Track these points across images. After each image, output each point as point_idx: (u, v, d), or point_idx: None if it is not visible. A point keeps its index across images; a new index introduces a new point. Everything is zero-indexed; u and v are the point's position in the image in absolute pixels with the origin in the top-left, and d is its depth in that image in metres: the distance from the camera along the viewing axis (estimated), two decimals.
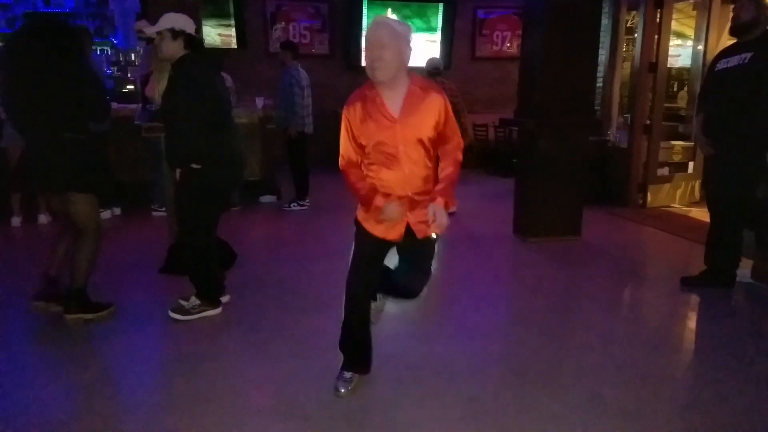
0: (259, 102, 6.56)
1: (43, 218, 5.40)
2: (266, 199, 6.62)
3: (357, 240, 2.49)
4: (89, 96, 3.16)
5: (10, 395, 2.59)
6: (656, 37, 6.14)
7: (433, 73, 5.87)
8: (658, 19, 6.10)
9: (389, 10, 9.13)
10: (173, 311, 3.35)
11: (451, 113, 2.38)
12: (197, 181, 3.20)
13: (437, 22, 9.66)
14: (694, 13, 6.65)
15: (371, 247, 2.46)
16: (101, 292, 3.46)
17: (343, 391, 2.54)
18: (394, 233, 2.42)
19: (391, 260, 2.60)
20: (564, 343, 3.17)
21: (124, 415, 2.48)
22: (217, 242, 3.60)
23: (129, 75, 7.84)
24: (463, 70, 9.84)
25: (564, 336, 3.27)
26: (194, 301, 3.39)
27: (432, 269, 2.66)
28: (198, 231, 3.32)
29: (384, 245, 2.46)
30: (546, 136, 4.93)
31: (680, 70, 7.17)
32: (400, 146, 2.31)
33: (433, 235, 2.45)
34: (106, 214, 5.51)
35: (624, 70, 7.10)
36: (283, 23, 9.24)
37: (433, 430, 2.37)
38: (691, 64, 6.72)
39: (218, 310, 3.44)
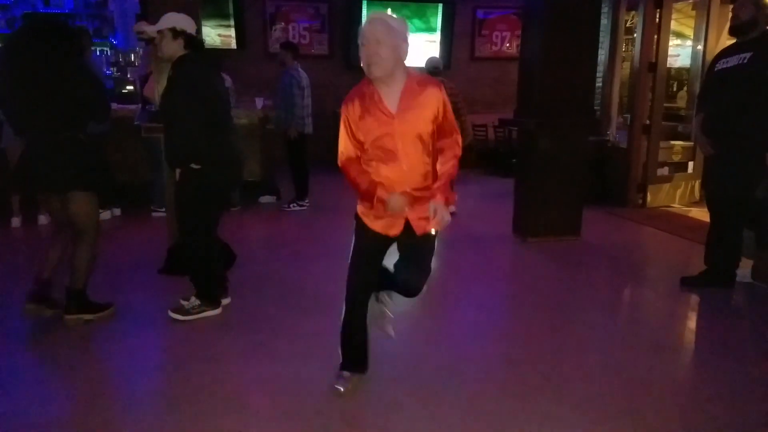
0: (259, 102, 6.57)
1: (43, 218, 5.39)
2: (266, 199, 6.62)
3: (357, 234, 2.48)
4: (89, 96, 3.16)
5: (10, 395, 2.59)
6: (656, 37, 6.15)
7: (432, 72, 5.86)
8: (657, 19, 6.11)
9: (389, 10, 9.12)
10: (173, 311, 3.36)
11: (449, 107, 2.36)
12: (197, 181, 3.20)
13: (436, 23, 9.67)
14: (694, 12, 6.66)
15: (371, 243, 2.45)
16: (101, 292, 3.46)
17: (342, 390, 2.54)
18: (394, 229, 2.41)
19: (391, 261, 2.60)
20: (564, 343, 3.17)
21: (124, 415, 2.48)
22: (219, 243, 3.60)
23: (128, 76, 7.84)
24: (462, 71, 9.84)
25: (564, 336, 3.27)
26: (194, 301, 3.39)
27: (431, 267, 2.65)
28: (198, 231, 3.33)
29: (384, 241, 2.46)
30: (546, 136, 4.93)
31: (680, 69, 7.18)
32: (398, 142, 2.30)
33: (433, 231, 2.44)
34: (105, 215, 5.52)
35: (623, 70, 7.10)
36: (283, 23, 9.25)
37: (433, 430, 2.36)
38: (691, 64, 6.74)
39: (218, 311, 3.44)
